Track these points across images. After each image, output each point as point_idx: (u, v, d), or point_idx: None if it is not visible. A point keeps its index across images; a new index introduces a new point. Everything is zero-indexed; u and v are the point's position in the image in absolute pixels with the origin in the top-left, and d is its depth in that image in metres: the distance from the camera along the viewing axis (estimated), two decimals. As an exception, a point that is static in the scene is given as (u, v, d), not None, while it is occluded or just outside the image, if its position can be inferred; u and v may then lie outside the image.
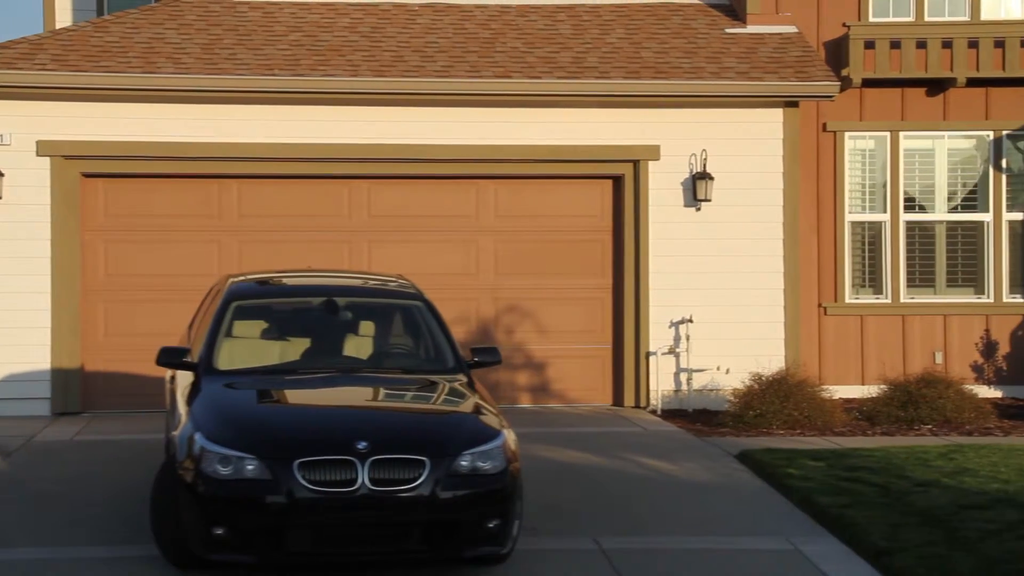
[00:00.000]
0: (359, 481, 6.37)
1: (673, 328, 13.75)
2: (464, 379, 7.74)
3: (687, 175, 13.76)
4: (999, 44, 14.66)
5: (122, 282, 13.28)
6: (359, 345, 7.93)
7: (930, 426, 12.03)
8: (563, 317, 13.95)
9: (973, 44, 14.64)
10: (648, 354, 13.67)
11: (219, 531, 6.32)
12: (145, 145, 13.07)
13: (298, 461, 6.36)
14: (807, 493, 8.47)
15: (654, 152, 13.74)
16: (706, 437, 11.46)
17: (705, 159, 13.65)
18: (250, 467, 6.36)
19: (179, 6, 14.39)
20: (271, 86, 13.00)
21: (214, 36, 13.79)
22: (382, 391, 7.42)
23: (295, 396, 7.25)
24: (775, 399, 12.09)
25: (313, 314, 8.03)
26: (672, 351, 13.68)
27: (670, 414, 13.25)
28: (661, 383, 13.67)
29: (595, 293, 14.02)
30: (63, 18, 16.35)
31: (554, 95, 13.48)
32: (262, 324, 7.91)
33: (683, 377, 13.69)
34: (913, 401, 12.20)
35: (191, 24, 14.02)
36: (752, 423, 12.06)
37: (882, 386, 12.79)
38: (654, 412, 13.37)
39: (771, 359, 13.39)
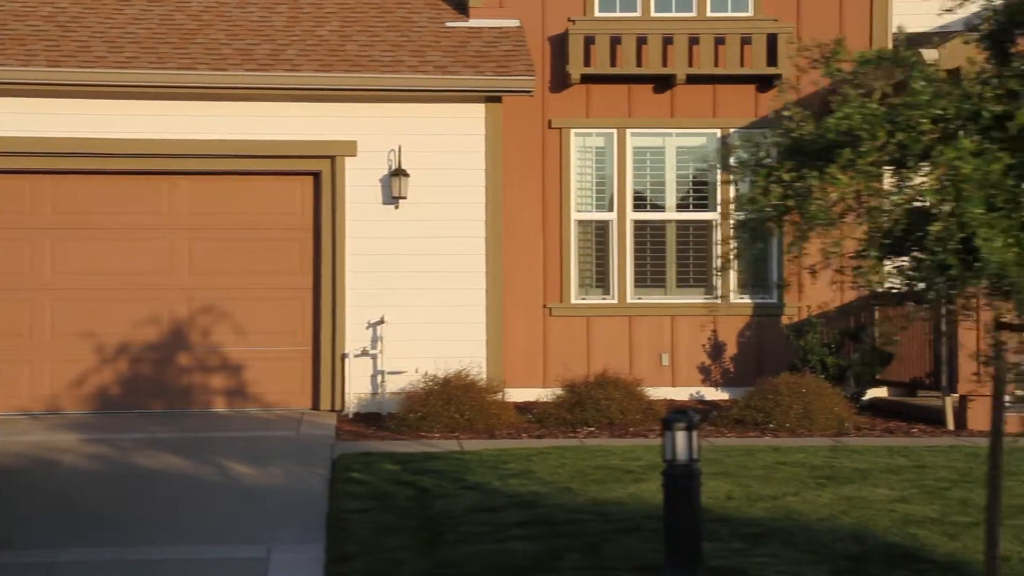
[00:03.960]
0: None
1: (371, 329, 13.35)
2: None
3: (386, 172, 13.37)
4: (721, 41, 14.40)
5: None
6: None
7: (592, 428, 11.68)
8: (262, 318, 13.51)
9: (695, 41, 14.36)
10: (343, 356, 13.28)
11: None
12: None
13: None
14: (341, 498, 8.09)
15: (351, 148, 13.33)
16: (353, 441, 11.06)
17: (400, 155, 13.26)
18: None
19: None
20: (-68, 76, 12.51)
21: None
22: None
23: None
24: (438, 402, 11.72)
25: None
26: (366, 353, 13.27)
27: (362, 417, 12.84)
28: (359, 386, 13.27)
29: (295, 293, 13.59)
30: None
31: (241, 88, 13.04)
32: None
33: (379, 379, 13.30)
34: (581, 403, 11.85)
35: None
36: (414, 426, 11.68)
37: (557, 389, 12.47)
38: (346, 416, 12.96)
39: (472, 361, 13.01)
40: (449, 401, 11.67)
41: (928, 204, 4.05)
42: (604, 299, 14.66)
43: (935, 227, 4.01)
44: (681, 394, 14.46)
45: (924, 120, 4.16)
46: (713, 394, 14.47)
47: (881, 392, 14.04)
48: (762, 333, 14.57)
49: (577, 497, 7.98)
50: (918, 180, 4.16)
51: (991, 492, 4.70)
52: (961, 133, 4.07)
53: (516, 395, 13.76)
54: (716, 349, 14.60)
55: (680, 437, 6.34)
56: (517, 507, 7.67)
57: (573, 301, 14.56)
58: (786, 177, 4.29)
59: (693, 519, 6.32)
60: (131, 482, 9.10)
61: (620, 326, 14.58)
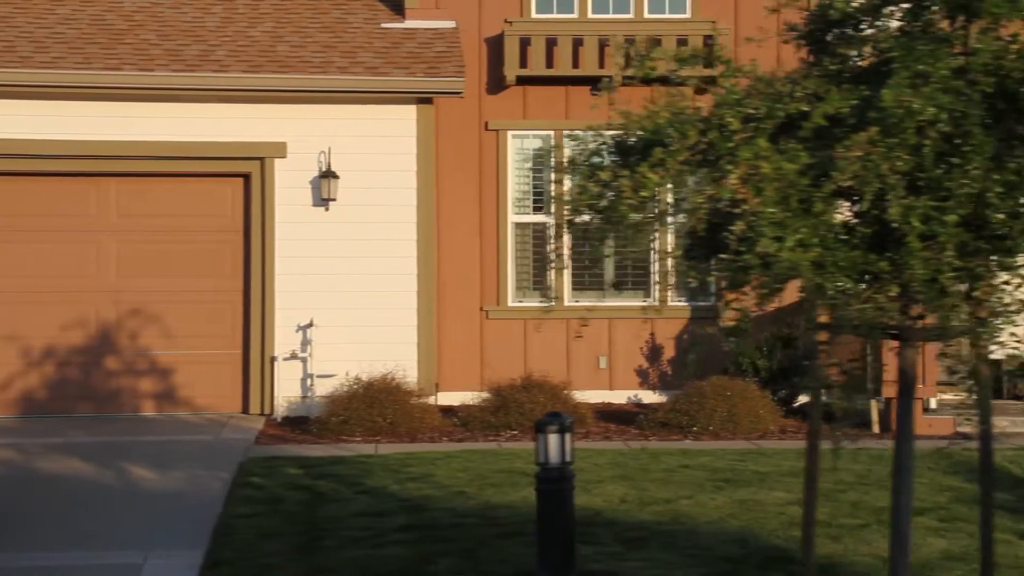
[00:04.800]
0: None
1: (300, 332, 13.25)
2: None
3: (316, 174, 13.27)
4: (657, 43, 14.32)
5: None
6: None
7: (515, 432, 11.58)
8: (193, 321, 13.39)
9: (631, 42, 14.28)
10: (273, 359, 13.17)
11: None
12: None
13: None
14: (234, 503, 8.00)
15: (280, 149, 13.24)
16: (271, 445, 10.95)
17: (331, 157, 13.16)
18: None
19: None
20: None
21: None
22: None
23: None
24: (361, 405, 11.62)
25: None
26: (296, 356, 13.17)
27: (290, 421, 12.72)
28: (288, 389, 13.16)
29: (226, 296, 13.49)
30: None
31: (169, 88, 12.93)
32: None
33: (309, 383, 13.20)
34: (505, 406, 11.77)
35: None
36: (336, 430, 11.58)
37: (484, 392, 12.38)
38: (274, 420, 12.85)
39: (401, 364, 12.90)
40: (372, 405, 11.57)
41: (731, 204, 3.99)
42: (542, 302, 14.55)
43: (737, 227, 3.95)
44: (619, 397, 14.38)
45: (733, 119, 4.10)
46: (651, 397, 14.38)
47: (818, 395, 13.97)
48: (699, 336, 14.49)
49: (469, 501, 7.89)
50: (733, 179, 4.09)
51: (807, 492, 4.63)
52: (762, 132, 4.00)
53: (452, 398, 13.70)
54: (654, 352, 14.52)
55: (552, 440, 6.26)
56: (405, 512, 7.59)
57: (510, 304, 14.48)
58: (604, 176, 4.22)
59: (565, 522, 6.24)
60: (30, 487, 8.98)
61: (558, 329, 14.47)
